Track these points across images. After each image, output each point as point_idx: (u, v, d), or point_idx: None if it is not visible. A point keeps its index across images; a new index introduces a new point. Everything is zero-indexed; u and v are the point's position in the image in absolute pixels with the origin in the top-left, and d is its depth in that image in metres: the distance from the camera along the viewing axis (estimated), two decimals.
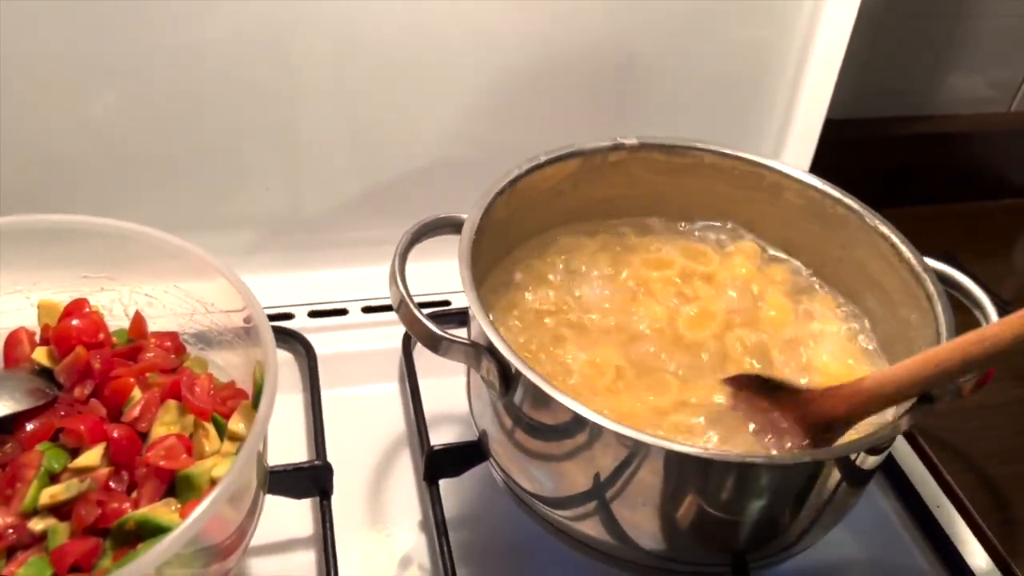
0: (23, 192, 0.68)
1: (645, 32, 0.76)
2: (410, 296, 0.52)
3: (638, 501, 0.49)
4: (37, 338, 0.57)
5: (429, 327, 0.51)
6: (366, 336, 0.74)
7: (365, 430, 0.67)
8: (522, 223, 0.63)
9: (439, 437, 0.64)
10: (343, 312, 0.76)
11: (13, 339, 0.56)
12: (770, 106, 0.81)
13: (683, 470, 0.47)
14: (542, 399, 0.48)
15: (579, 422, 0.47)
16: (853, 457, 0.49)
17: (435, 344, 0.51)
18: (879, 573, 0.61)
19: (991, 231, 0.90)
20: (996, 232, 0.90)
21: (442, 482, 0.61)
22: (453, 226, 0.57)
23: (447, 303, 0.77)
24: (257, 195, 0.76)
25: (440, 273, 0.73)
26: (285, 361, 0.71)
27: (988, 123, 0.92)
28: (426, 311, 0.73)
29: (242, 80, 0.69)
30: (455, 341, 0.51)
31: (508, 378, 0.50)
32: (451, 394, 0.67)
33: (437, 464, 0.60)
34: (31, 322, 0.57)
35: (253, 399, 0.51)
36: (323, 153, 0.75)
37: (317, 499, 0.59)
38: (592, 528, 0.52)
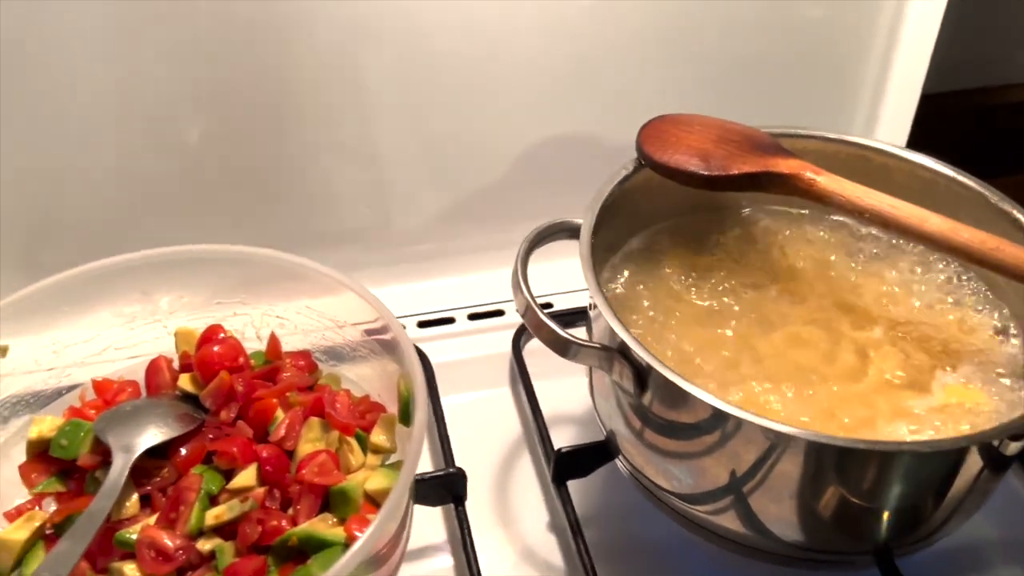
0: (121, 220, 0.71)
1: (727, 15, 0.75)
2: (536, 302, 0.53)
3: (782, 493, 0.49)
4: (175, 365, 0.59)
5: (559, 332, 0.52)
6: (475, 343, 0.76)
7: (483, 434, 0.68)
8: (629, 221, 0.63)
9: (558, 437, 0.65)
10: (450, 320, 0.77)
11: (154, 367, 0.58)
12: (859, 84, 0.80)
13: (826, 460, 0.47)
14: (681, 397, 0.48)
15: (721, 418, 0.47)
16: (996, 443, 0.48)
17: (564, 349, 0.52)
18: (1015, 552, 0.61)
19: None
20: None
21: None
22: (568, 231, 0.58)
23: (550, 305, 0.78)
24: (345, 212, 0.77)
25: (541, 276, 0.74)
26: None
27: None
28: None
29: (319, 102, 0.71)
30: (585, 345, 0.52)
31: (643, 379, 0.50)
32: (563, 394, 0.68)
33: (565, 466, 0.61)
34: (168, 349, 0.59)
35: (400, 411, 0.53)
36: (405, 167, 0.76)
37: (451, 505, 0.61)
38: (730, 521, 0.53)
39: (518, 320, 0.75)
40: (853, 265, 0.62)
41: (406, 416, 0.52)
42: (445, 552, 0.61)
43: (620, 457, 0.58)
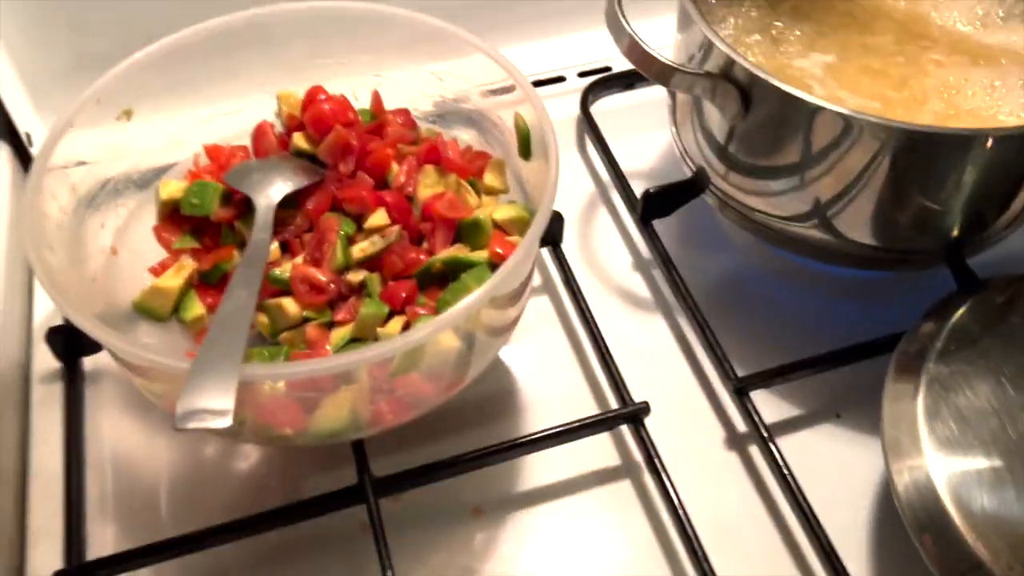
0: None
1: None
2: (638, 35, 0.55)
3: (872, 196, 0.54)
4: (277, 129, 0.61)
5: (665, 62, 0.55)
6: None
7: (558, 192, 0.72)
8: None
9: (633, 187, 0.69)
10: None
11: (260, 131, 0.60)
12: None
13: (924, 151, 0.51)
14: (792, 107, 0.51)
15: (833, 121, 0.50)
16: None
17: (668, 77, 0.55)
18: None
19: None
20: None
21: None
22: None
23: (608, 68, 0.80)
24: None
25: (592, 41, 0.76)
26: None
27: None
28: (592, 77, 0.78)
29: None
30: (690, 73, 0.55)
31: (747, 99, 0.53)
32: (628, 153, 0.72)
33: (652, 205, 0.65)
34: (270, 116, 0.61)
35: (520, 145, 0.56)
36: None
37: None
38: (817, 230, 0.57)
39: (579, 86, 0.78)
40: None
41: (526, 150, 0.55)
42: (542, 293, 0.66)
43: (709, 190, 0.62)
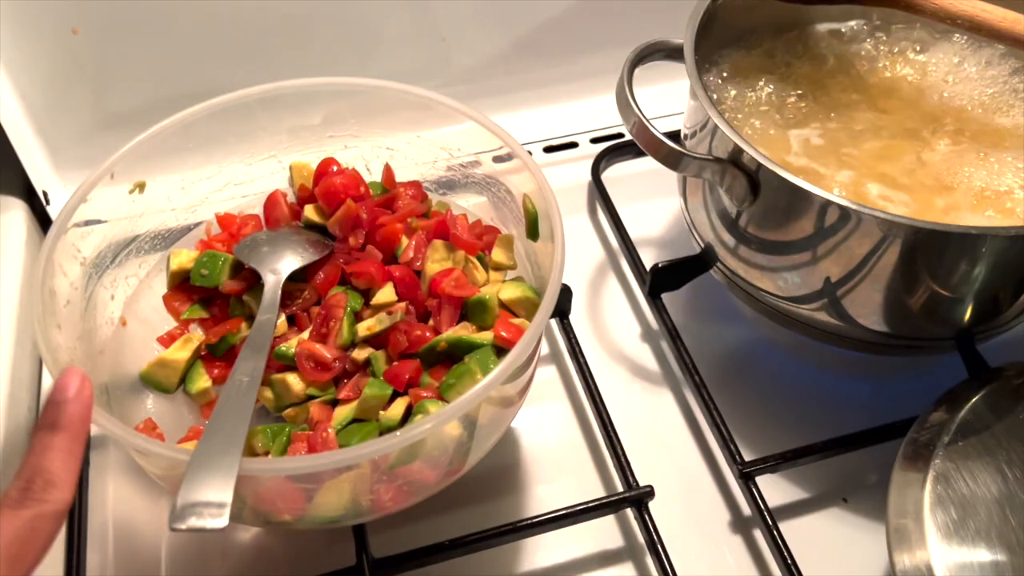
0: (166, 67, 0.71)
1: None
2: (646, 118, 0.55)
3: (880, 285, 0.53)
4: (290, 198, 0.62)
5: (672, 147, 0.54)
6: (550, 175, 0.78)
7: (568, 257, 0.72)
8: (716, 41, 0.65)
9: (642, 257, 0.69)
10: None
11: (272, 201, 0.61)
12: None
13: (931, 247, 0.51)
14: (800, 198, 0.51)
15: (840, 215, 0.50)
16: None
17: (677, 163, 0.55)
18: None
19: None
20: None
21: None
22: (664, 51, 0.60)
23: (621, 134, 0.80)
24: (400, 53, 0.77)
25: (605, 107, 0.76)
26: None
27: None
28: (605, 144, 0.78)
29: None
30: (698, 158, 0.55)
31: (755, 186, 0.53)
32: (638, 220, 0.73)
33: (660, 279, 0.65)
34: (282, 184, 0.62)
35: (528, 227, 0.56)
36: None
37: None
38: (825, 314, 0.57)
39: (591, 151, 0.78)
40: (932, 77, 0.65)
41: (534, 232, 0.55)
42: (550, 362, 0.66)
43: (716, 267, 0.62)
